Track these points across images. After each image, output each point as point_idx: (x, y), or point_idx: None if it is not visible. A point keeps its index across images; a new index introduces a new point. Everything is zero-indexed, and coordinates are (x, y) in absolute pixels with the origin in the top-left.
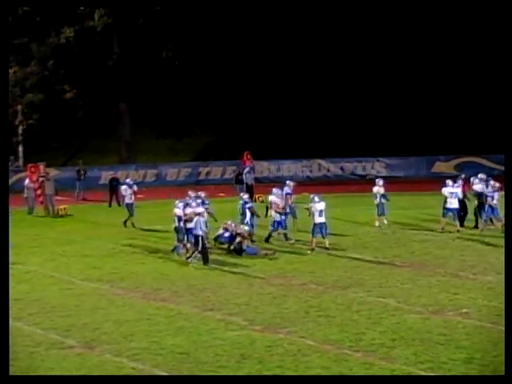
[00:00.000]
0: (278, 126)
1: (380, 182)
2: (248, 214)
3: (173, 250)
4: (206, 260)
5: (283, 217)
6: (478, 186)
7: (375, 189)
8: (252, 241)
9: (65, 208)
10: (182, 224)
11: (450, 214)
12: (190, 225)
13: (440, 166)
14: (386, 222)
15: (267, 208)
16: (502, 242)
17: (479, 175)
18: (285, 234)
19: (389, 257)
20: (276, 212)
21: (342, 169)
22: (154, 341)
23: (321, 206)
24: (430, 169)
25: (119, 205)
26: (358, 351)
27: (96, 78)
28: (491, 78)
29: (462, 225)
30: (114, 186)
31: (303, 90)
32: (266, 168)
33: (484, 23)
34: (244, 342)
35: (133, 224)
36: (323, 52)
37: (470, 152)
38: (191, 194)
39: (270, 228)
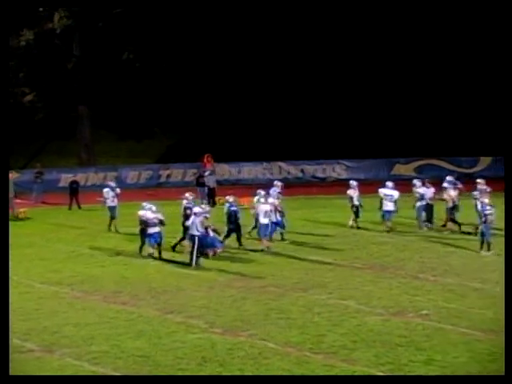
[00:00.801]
0: (239, 128)
1: (353, 183)
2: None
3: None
4: (192, 261)
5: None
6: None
7: (350, 191)
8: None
9: (24, 211)
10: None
11: (387, 215)
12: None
13: (400, 168)
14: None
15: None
16: (462, 243)
17: (448, 177)
18: (281, 234)
19: (349, 259)
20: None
21: (302, 171)
22: (115, 344)
23: (266, 207)
24: (389, 171)
25: (79, 207)
26: (318, 353)
27: (55, 81)
28: (451, 80)
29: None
30: (73, 188)
31: (262, 92)
32: (226, 171)
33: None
34: (204, 344)
35: (116, 227)
36: (282, 52)
37: (430, 154)
38: (188, 195)
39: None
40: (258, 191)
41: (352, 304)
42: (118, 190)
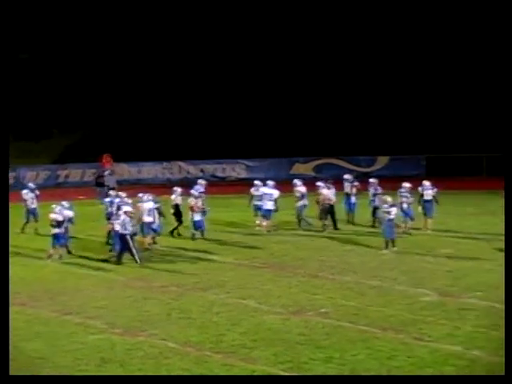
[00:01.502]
0: (139, 127)
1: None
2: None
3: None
4: (119, 260)
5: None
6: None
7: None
8: (154, 243)
9: None
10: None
11: (268, 214)
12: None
13: (299, 168)
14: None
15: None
16: (361, 241)
17: (345, 176)
18: (202, 232)
19: (249, 258)
20: (196, 212)
21: (202, 171)
22: (13, 346)
23: (149, 205)
24: (289, 170)
25: None
26: (218, 353)
27: None
28: (349, 79)
29: (335, 227)
30: None
31: (160, 91)
32: (126, 170)
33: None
34: (104, 345)
35: (35, 229)
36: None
37: (329, 154)
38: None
39: (192, 230)
40: (175, 189)
41: (251, 303)
42: (37, 192)
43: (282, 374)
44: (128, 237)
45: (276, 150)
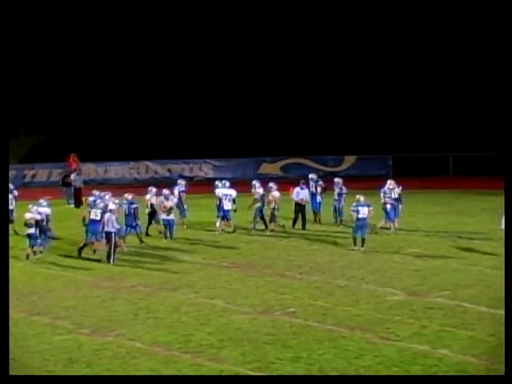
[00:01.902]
0: (106, 127)
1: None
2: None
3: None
4: (111, 258)
5: (169, 216)
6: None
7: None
8: (141, 241)
9: None
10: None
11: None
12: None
13: (266, 167)
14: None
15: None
16: (329, 240)
17: (310, 175)
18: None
19: (217, 258)
20: (163, 211)
21: (169, 171)
22: None
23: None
24: (256, 170)
25: None
26: (186, 353)
27: None
28: (319, 79)
29: (304, 227)
30: None
31: (127, 90)
32: (93, 170)
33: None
34: (71, 345)
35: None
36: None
37: (296, 153)
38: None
39: (163, 228)
40: (150, 188)
41: (219, 303)
42: (15, 192)
43: (250, 373)
44: (112, 235)
45: (243, 149)
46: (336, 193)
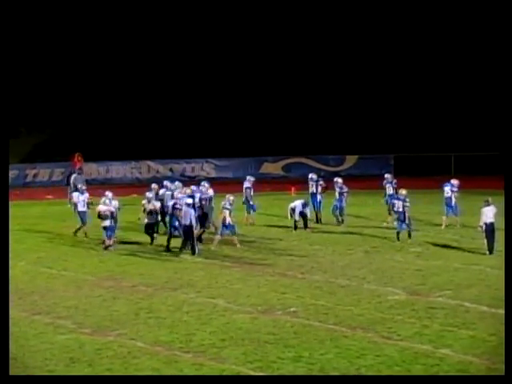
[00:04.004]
0: (107, 126)
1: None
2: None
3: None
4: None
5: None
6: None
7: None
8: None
9: None
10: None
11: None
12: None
13: (268, 167)
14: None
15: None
16: (331, 240)
17: (310, 175)
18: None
19: (219, 257)
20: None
21: (171, 170)
22: None
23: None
24: (258, 169)
25: None
26: (188, 352)
27: None
28: (320, 80)
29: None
30: None
31: (129, 90)
32: (94, 170)
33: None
34: (73, 345)
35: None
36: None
37: (297, 153)
38: (154, 186)
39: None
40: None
41: (221, 302)
42: (86, 195)
43: (251, 373)
44: (191, 228)
45: (245, 149)
46: (337, 192)
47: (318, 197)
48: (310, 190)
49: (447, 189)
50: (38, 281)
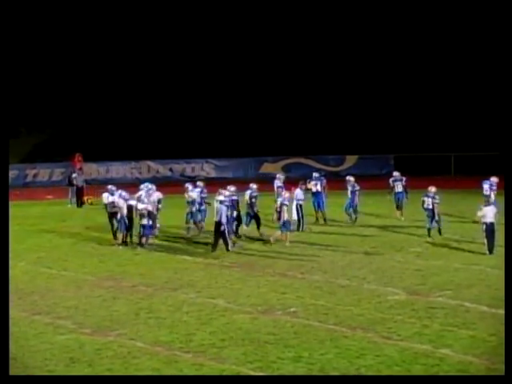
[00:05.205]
0: (107, 126)
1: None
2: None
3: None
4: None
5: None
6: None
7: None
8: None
9: None
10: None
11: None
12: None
13: (268, 167)
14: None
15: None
16: (329, 241)
17: (314, 174)
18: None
19: (218, 257)
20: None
21: (171, 170)
22: None
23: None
24: (258, 169)
25: None
26: (188, 352)
27: None
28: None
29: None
30: None
31: (129, 90)
32: (95, 170)
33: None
34: (73, 345)
35: None
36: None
37: (297, 153)
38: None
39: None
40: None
41: (221, 302)
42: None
43: (252, 373)
44: (224, 226)
45: (245, 149)
46: (349, 191)
47: (322, 196)
48: (314, 189)
49: (486, 186)
50: (38, 281)
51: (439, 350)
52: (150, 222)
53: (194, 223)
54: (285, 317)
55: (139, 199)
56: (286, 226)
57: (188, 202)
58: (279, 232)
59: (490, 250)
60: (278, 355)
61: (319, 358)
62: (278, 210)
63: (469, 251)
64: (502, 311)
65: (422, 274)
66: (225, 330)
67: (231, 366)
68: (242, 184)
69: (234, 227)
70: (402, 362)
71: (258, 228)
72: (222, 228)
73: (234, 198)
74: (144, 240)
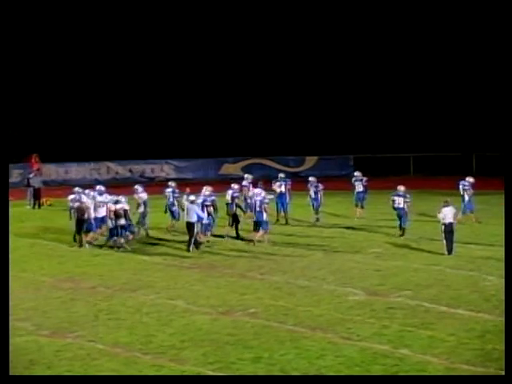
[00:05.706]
0: (65, 127)
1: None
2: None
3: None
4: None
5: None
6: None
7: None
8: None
9: None
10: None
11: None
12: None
13: (228, 168)
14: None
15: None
16: (288, 239)
17: (280, 175)
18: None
19: (177, 258)
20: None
21: (130, 171)
22: None
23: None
24: (218, 170)
25: None
26: (147, 354)
27: None
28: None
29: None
30: None
31: (87, 90)
32: (53, 171)
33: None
34: (31, 347)
35: None
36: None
37: (257, 154)
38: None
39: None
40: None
41: (180, 303)
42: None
43: (211, 374)
44: (193, 225)
45: (205, 150)
46: (312, 191)
47: (287, 197)
48: (278, 190)
49: (460, 186)
50: None
51: (398, 350)
52: (128, 222)
53: (142, 226)
54: (244, 317)
55: (117, 201)
56: (263, 225)
57: (138, 204)
58: (261, 232)
59: (449, 251)
60: (238, 356)
61: (279, 359)
62: (258, 208)
63: (428, 251)
64: (461, 311)
65: (382, 274)
66: (184, 331)
67: (191, 367)
68: (202, 185)
69: (234, 227)
70: (361, 362)
71: (237, 228)
72: (193, 228)
73: (213, 197)
74: (122, 240)
